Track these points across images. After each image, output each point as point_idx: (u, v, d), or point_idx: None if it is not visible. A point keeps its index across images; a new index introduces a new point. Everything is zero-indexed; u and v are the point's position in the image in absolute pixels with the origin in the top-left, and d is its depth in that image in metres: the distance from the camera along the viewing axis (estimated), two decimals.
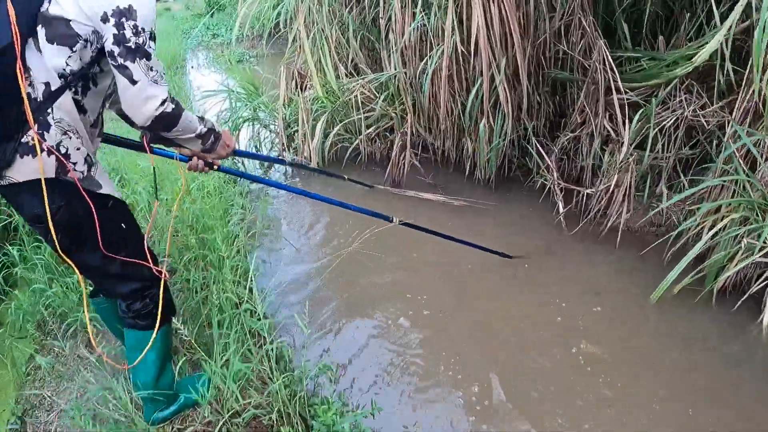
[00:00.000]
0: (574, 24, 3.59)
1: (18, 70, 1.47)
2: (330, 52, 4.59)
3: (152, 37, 1.62)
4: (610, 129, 3.64)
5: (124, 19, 1.54)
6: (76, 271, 1.77)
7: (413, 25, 3.72)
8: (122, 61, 1.55)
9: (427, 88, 3.83)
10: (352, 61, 4.95)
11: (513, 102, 3.65)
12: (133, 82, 1.56)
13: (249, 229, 3.70)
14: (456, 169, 4.37)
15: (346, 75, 4.83)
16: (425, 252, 3.49)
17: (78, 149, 1.66)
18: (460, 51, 3.57)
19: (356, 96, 4.38)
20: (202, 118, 1.87)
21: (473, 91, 3.65)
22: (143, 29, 1.57)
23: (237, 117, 4.96)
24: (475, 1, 3.26)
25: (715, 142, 3.44)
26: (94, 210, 1.67)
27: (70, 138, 1.63)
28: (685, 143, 3.56)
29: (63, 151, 1.61)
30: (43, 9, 1.51)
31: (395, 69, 4.25)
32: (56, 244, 1.65)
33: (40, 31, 1.51)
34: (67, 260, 1.73)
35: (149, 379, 2.03)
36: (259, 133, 5.12)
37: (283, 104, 4.71)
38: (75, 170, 1.64)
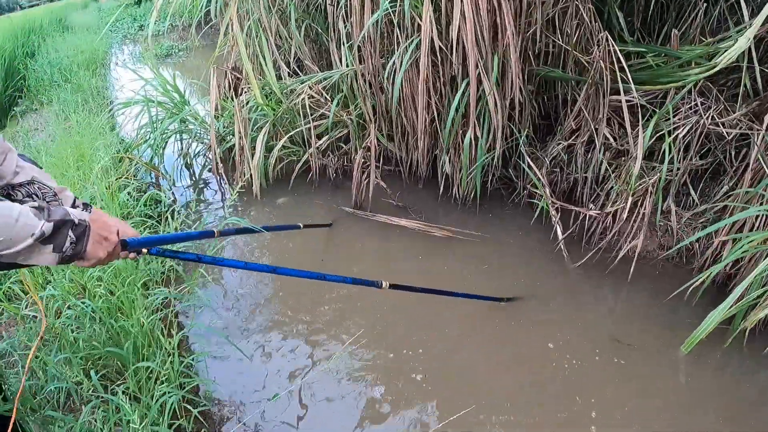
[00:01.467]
0: (570, 12, 2.96)
1: None
2: (269, 46, 3.82)
3: None
4: (610, 137, 3.05)
5: None
6: None
7: (378, 14, 2.99)
8: None
9: (397, 91, 3.12)
10: (295, 57, 4.20)
11: (503, 109, 2.99)
12: None
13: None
14: (427, 186, 3.69)
15: (289, 74, 4.08)
16: (406, 304, 2.78)
17: None
18: (437, 47, 2.87)
19: (303, 100, 3.65)
20: (40, 208, 1.09)
21: (456, 97, 2.97)
22: None
23: (161, 130, 4.08)
24: None
25: (732, 152, 2.90)
26: None
27: None
28: (696, 152, 3.01)
29: None
30: None
31: (347, 66, 3.55)
32: None
33: None
34: None
35: None
36: (189, 148, 4.29)
37: (216, 115, 3.91)
38: None
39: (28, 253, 1.06)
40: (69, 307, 2.34)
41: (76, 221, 1.13)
